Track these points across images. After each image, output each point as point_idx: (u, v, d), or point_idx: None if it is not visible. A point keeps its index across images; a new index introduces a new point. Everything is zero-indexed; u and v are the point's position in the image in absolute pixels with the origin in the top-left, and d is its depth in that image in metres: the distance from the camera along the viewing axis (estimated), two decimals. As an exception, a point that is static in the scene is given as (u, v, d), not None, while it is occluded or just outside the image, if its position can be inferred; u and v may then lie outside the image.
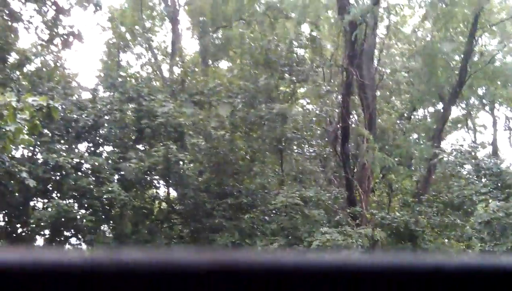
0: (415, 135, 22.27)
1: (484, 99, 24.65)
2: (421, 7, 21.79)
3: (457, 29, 21.20)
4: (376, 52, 20.63)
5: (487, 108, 25.68)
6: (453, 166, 16.61)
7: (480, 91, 23.99)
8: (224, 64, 23.25)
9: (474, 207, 14.50)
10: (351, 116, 18.97)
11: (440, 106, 21.38)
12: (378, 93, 20.64)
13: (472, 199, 14.74)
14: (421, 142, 20.87)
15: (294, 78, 19.70)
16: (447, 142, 21.39)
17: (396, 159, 17.74)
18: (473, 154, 16.62)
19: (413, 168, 19.18)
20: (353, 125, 18.61)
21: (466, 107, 23.68)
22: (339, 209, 16.11)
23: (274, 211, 15.52)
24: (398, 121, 21.21)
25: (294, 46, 20.30)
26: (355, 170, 17.30)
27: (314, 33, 20.26)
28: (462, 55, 19.82)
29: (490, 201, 14.09)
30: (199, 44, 22.66)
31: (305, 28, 21.76)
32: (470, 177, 16.04)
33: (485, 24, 20.73)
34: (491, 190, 14.69)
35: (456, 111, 23.67)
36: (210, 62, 22.31)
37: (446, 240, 16.03)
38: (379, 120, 20.40)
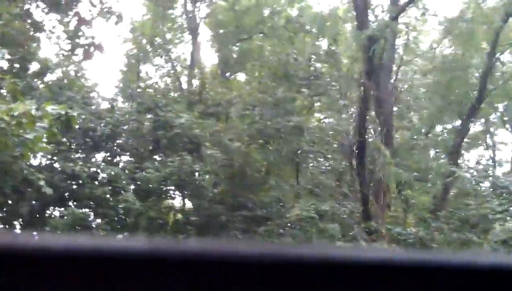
0: (433, 152, 22.11)
1: (505, 116, 24.41)
2: (440, 24, 21.72)
3: (477, 46, 21.09)
4: (394, 67, 20.60)
5: (507, 126, 25.41)
6: (470, 183, 16.47)
7: (501, 108, 23.77)
8: (242, 77, 23.39)
9: (491, 225, 14.34)
10: (368, 131, 18.91)
11: (458, 123, 21.25)
12: (395, 108, 20.58)
13: (489, 217, 14.58)
14: (438, 158, 20.73)
15: (311, 92, 19.73)
16: (466, 159, 21.24)
17: (413, 175, 17.63)
18: (490, 171, 16.47)
19: (429, 184, 19.03)
20: (369, 140, 18.54)
21: (485, 124, 23.50)
22: (354, 224, 16.02)
23: (289, 224, 15.49)
24: (415, 137, 21.09)
25: (312, 60, 20.36)
26: (371, 184, 17.21)
27: (332, 48, 20.30)
28: (481, 72, 19.71)
29: (508, 219, 13.95)
30: (218, 56, 22.82)
31: (323, 43, 21.83)
32: (487, 194, 15.88)
33: (506, 41, 20.59)
34: (508, 208, 14.53)
35: (475, 128, 23.51)
36: (228, 74, 22.45)
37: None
38: (396, 135, 20.31)
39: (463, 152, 20.96)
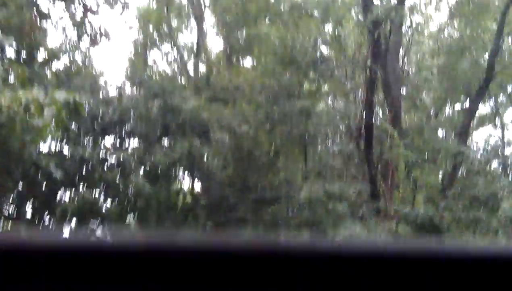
0: (442, 132, 22.06)
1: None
2: (447, 5, 21.61)
3: (485, 27, 21.01)
4: (402, 50, 20.52)
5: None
6: (479, 163, 16.44)
7: (510, 89, 23.60)
8: (248, 62, 23.39)
9: (500, 203, 14.34)
10: (376, 114, 18.91)
11: (467, 103, 21.18)
12: (404, 90, 20.52)
13: (498, 195, 14.57)
14: (448, 139, 20.68)
15: (317, 76, 19.73)
16: (474, 139, 21.19)
17: (421, 155, 17.60)
18: (499, 151, 16.43)
19: (438, 164, 19.00)
20: (377, 122, 18.52)
21: (494, 105, 23.41)
22: (362, 204, 16.03)
23: (297, 206, 15.53)
24: (424, 118, 21.05)
25: (319, 44, 20.35)
26: (379, 166, 17.21)
27: (337, 31, 20.26)
28: (489, 52, 19.60)
29: (517, 196, 13.95)
30: (223, 42, 22.81)
31: (329, 27, 21.76)
32: (497, 174, 15.86)
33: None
34: (517, 185, 14.52)
35: (485, 109, 23.43)
36: (234, 60, 22.43)
37: (472, 235, 15.85)
38: (406, 118, 20.27)
39: (471, 132, 20.89)
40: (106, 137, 16.79)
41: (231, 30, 22.32)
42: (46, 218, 14.88)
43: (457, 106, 22.93)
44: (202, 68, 21.21)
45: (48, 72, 17.94)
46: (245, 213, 15.35)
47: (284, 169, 17.33)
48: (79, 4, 20.21)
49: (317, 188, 15.21)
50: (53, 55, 18.18)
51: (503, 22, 19.23)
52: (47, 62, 18.24)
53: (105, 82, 18.81)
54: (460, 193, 16.16)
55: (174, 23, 23.43)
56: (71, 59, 19.20)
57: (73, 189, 15.07)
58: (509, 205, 13.86)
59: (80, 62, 19.04)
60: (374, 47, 17.97)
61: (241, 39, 22.45)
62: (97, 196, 14.94)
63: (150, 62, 22.09)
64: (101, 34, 19.93)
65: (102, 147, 16.05)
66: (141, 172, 15.67)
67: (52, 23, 19.83)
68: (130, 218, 15.62)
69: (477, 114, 21.41)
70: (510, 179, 15.16)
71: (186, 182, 17.54)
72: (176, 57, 22.88)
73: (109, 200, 15.16)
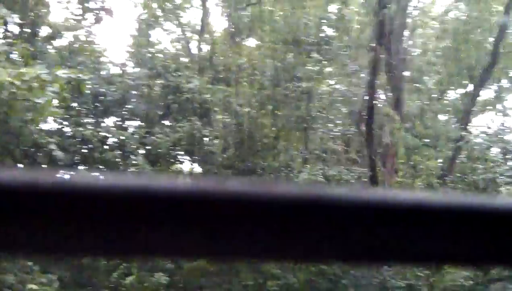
0: (444, 117, 21.99)
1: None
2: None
3: (492, 10, 20.78)
4: (407, 32, 20.35)
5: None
6: (480, 148, 16.43)
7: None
8: (252, 42, 23.21)
9: (498, 190, 14.37)
10: (378, 97, 18.81)
11: (470, 87, 21.03)
12: (407, 73, 20.39)
13: (497, 181, 14.59)
14: (449, 123, 20.64)
15: (321, 57, 19.61)
16: (476, 125, 21.08)
17: (422, 140, 17.58)
18: (500, 136, 16.41)
19: (438, 149, 18.97)
20: (379, 105, 18.46)
21: (497, 90, 23.23)
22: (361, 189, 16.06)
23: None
24: (427, 102, 20.96)
25: (323, 24, 20.20)
26: (379, 150, 17.21)
27: (342, 11, 20.09)
28: (494, 36, 19.42)
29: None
30: (227, 21, 22.63)
31: (334, 8, 21.54)
32: (497, 159, 15.86)
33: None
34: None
35: (488, 93, 23.21)
36: (238, 39, 22.28)
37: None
38: (408, 101, 20.16)
39: (473, 117, 20.79)
40: (108, 116, 16.85)
41: (234, 9, 22.12)
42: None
43: (460, 91, 22.80)
44: (206, 47, 21.11)
45: (51, 49, 17.93)
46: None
47: (284, 152, 17.38)
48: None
49: (316, 172, 15.28)
50: (57, 31, 18.15)
51: (510, 5, 19.01)
52: (50, 38, 18.22)
53: (108, 60, 18.80)
54: (459, 179, 16.18)
55: (178, 0, 23.24)
56: (75, 35, 19.16)
57: (74, 169, 15.17)
58: (507, 190, 13.90)
59: (83, 39, 19.00)
60: (378, 28, 17.86)
61: (245, 17, 22.25)
62: (97, 176, 15.01)
63: (153, 40, 21.98)
64: (105, 11, 19.87)
65: (103, 126, 16.10)
66: (142, 153, 15.75)
67: (55, -1, 19.77)
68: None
69: (479, 99, 21.31)
70: (509, 166, 15.14)
71: (186, 163, 17.63)
72: (180, 35, 22.75)
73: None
